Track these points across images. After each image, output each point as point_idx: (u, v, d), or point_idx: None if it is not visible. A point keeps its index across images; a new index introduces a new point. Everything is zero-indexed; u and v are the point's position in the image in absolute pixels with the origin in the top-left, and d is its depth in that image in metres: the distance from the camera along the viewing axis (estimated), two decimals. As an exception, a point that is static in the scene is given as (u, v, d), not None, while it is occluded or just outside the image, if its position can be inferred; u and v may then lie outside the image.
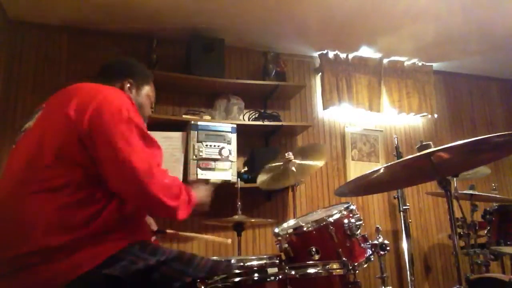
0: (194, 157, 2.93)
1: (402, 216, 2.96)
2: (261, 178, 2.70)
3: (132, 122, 1.28)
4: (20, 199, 1.20)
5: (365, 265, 1.67)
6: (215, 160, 2.96)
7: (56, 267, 1.12)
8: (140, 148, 1.26)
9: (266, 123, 3.33)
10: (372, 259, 1.70)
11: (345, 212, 1.70)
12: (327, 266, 1.36)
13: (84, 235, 1.16)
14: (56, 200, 1.18)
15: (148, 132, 1.35)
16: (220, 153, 2.97)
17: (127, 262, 1.18)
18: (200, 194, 1.52)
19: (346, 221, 1.68)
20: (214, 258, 1.79)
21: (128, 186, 1.23)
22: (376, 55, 3.94)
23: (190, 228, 3.14)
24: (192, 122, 3.02)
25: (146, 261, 1.21)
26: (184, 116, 3.21)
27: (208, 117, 3.24)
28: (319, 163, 2.62)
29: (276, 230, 1.78)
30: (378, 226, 1.75)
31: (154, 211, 1.35)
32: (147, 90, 1.66)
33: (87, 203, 1.20)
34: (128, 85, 1.59)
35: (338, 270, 1.38)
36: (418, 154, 1.52)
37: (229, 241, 2.30)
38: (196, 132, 2.98)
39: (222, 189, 3.08)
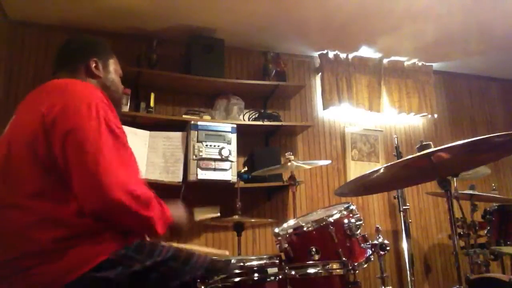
0: (194, 157, 2.93)
1: (402, 216, 2.96)
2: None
3: (101, 119, 1.18)
4: (6, 204, 1.19)
5: (365, 265, 1.67)
6: (215, 160, 2.96)
7: (51, 269, 1.11)
8: (109, 153, 1.15)
9: (266, 123, 3.33)
10: (372, 259, 1.70)
11: (345, 212, 1.70)
12: (327, 266, 1.36)
13: (78, 233, 1.14)
14: (40, 200, 1.16)
15: (122, 127, 1.26)
16: (220, 153, 2.97)
17: (124, 267, 1.15)
18: (177, 212, 1.37)
19: (346, 221, 1.68)
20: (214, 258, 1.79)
21: (92, 193, 1.11)
22: (376, 55, 3.93)
23: (190, 228, 3.14)
24: (192, 122, 3.02)
25: (143, 263, 1.18)
26: (184, 116, 3.21)
27: (208, 117, 3.24)
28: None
29: (276, 230, 1.78)
30: (378, 226, 1.75)
31: (125, 222, 1.16)
32: (113, 63, 1.55)
33: (70, 200, 1.16)
34: (94, 64, 1.47)
35: (338, 270, 1.38)
36: (418, 154, 1.52)
37: (227, 252, 2.30)
38: (196, 132, 2.98)
39: (222, 189, 3.10)
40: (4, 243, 1.17)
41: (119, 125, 1.26)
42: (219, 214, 1.82)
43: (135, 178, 1.20)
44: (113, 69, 1.55)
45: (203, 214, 1.72)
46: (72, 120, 1.18)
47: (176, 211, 1.38)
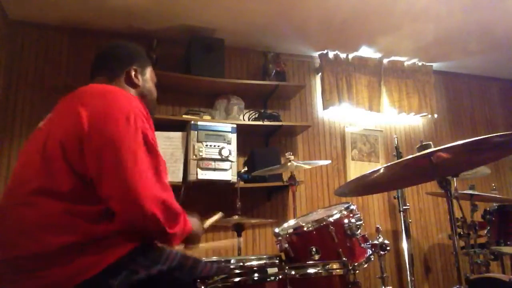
0: (194, 157, 2.93)
1: (402, 216, 2.96)
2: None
3: (139, 131, 1.20)
4: (22, 201, 1.18)
5: (365, 265, 1.67)
6: (215, 160, 2.96)
7: (57, 272, 1.10)
8: (146, 165, 1.16)
9: (266, 123, 3.33)
10: (372, 259, 1.70)
11: (345, 212, 1.71)
12: (327, 266, 1.36)
13: (88, 240, 1.13)
14: (59, 201, 1.15)
15: (155, 139, 1.27)
16: (220, 153, 2.97)
17: (128, 272, 1.14)
18: (195, 223, 1.42)
19: (346, 221, 1.68)
20: (214, 258, 1.79)
21: (128, 205, 1.13)
22: (376, 55, 3.93)
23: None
24: (192, 122, 3.02)
25: (148, 270, 1.17)
26: (184, 116, 3.21)
27: (208, 117, 3.24)
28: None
29: (276, 230, 1.78)
30: (378, 226, 1.75)
31: (151, 234, 1.20)
32: (150, 72, 1.56)
33: (90, 204, 1.16)
34: (134, 73, 1.48)
35: (338, 270, 1.38)
36: (418, 154, 1.52)
37: (235, 241, 2.31)
38: (196, 132, 2.98)
39: (222, 189, 3.10)
40: (11, 241, 1.16)
41: (154, 138, 1.27)
42: (222, 215, 1.84)
43: (168, 192, 1.21)
44: (149, 77, 1.56)
45: (209, 220, 1.75)
46: (110, 131, 1.18)
47: (194, 222, 1.41)
